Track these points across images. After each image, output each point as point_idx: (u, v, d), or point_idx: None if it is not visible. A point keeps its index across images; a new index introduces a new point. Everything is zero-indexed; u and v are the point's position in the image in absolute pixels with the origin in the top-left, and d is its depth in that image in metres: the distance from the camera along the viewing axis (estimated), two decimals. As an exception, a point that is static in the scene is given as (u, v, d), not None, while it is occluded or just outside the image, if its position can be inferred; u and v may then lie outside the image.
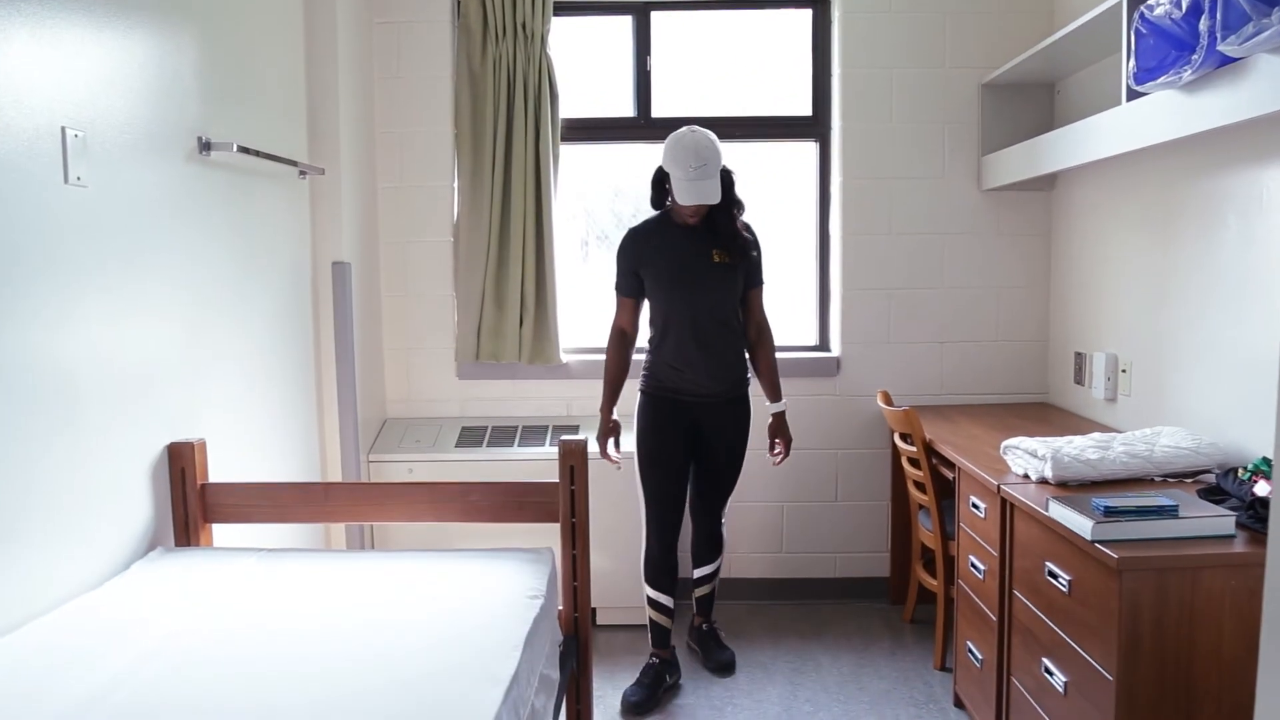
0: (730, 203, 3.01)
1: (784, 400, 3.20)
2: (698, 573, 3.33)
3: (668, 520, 3.13)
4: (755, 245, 3.13)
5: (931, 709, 3.00)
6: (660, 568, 3.15)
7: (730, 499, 3.29)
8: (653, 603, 3.18)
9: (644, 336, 3.21)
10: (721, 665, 3.29)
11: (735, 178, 3.03)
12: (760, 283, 3.17)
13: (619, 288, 3.16)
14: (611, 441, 3.14)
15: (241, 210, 2.78)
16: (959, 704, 2.97)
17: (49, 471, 1.91)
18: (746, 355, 3.18)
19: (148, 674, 1.64)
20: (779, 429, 3.20)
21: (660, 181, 3.04)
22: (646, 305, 3.17)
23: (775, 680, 3.22)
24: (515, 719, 1.69)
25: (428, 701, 1.56)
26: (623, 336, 3.17)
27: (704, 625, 3.39)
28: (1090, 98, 3.34)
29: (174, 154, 2.40)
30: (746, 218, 3.11)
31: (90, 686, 1.59)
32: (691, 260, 3.02)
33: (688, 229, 3.03)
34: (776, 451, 3.22)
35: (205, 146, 2.52)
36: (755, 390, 3.20)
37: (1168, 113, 2.38)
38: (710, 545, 3.29)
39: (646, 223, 3.14)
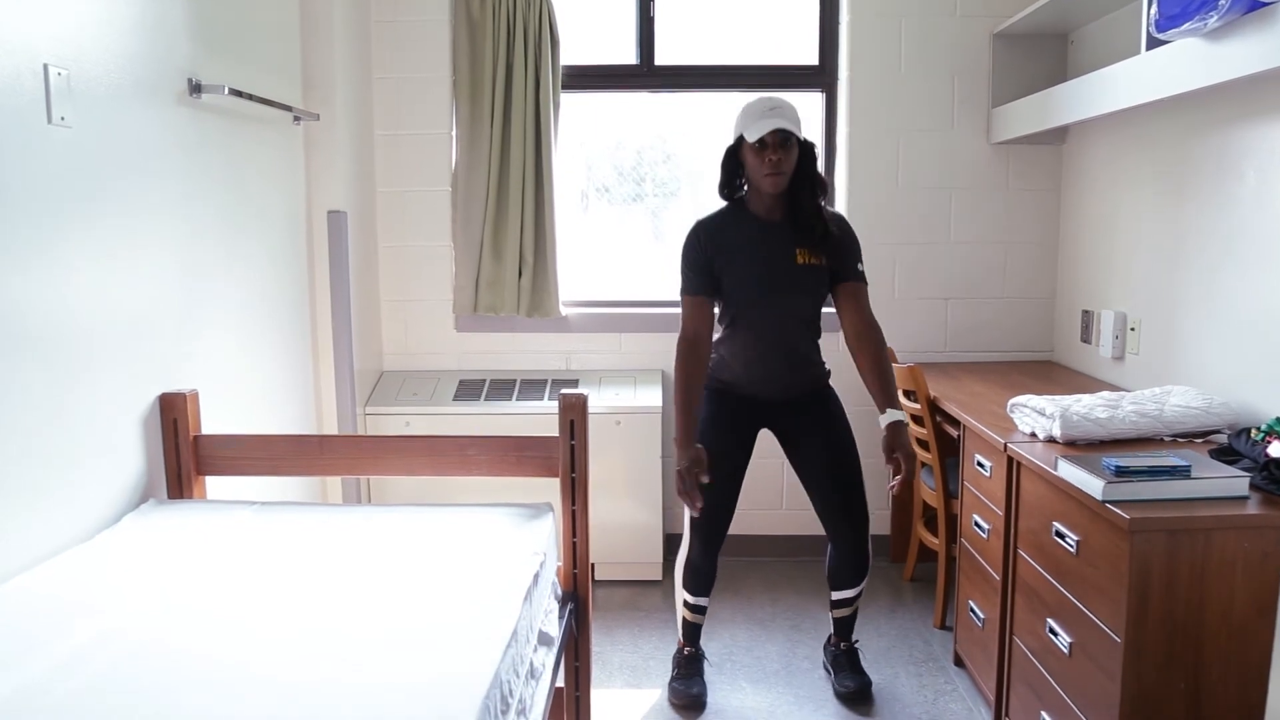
0: (811, 178, 2.62)
1: (901, 411, 2.61)
2: (838, 595, 2.84)
3: (714, 524, 2.73)
4: (847, 236, 2.69)
5: (931, 667, 2.99)
6: (701, 573, 2.78)
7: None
8: (689, 605, 2.84)
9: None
10: (854, 693, 2.80)
11: (817, 152, 2.67)
12: (855, 277, 2.67)
13: (689, 287, 2.66)
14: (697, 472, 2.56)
15: (234, 156, 2.71)
16: (959, 663, 2.96)
17: (36, 421, 1.86)
18: (821, 354, 2.79)
19: (139, 628, 1.61)
20: (895, 442, 2.55)
21: (732, 156, 2.64)
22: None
23: (774, 637, 3.21)
24: (514, 676, 1.67)
25: (426, 658, 1.53)
26: (694, 349, 2.61)
27: (842, 645, 2.91)
28: (1106, 49, 3.25)
29: (163, 96, 2.32)
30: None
31: (80, 640, 1.56)
32: (773, 261, 2.61)
33: (766, 225, 2.64)
34: (896, 475, 2.54)
35: (195, 89, 2.45)
36: (848, 383, 2.82)
37: (1190, 61, 2.30)
38: (855, 566, 2.77)
39: (716, 215, 2.70)
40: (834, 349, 2.92)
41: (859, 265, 2.69)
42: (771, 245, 2.63)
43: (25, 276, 1.83)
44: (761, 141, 2.51)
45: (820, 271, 2.66)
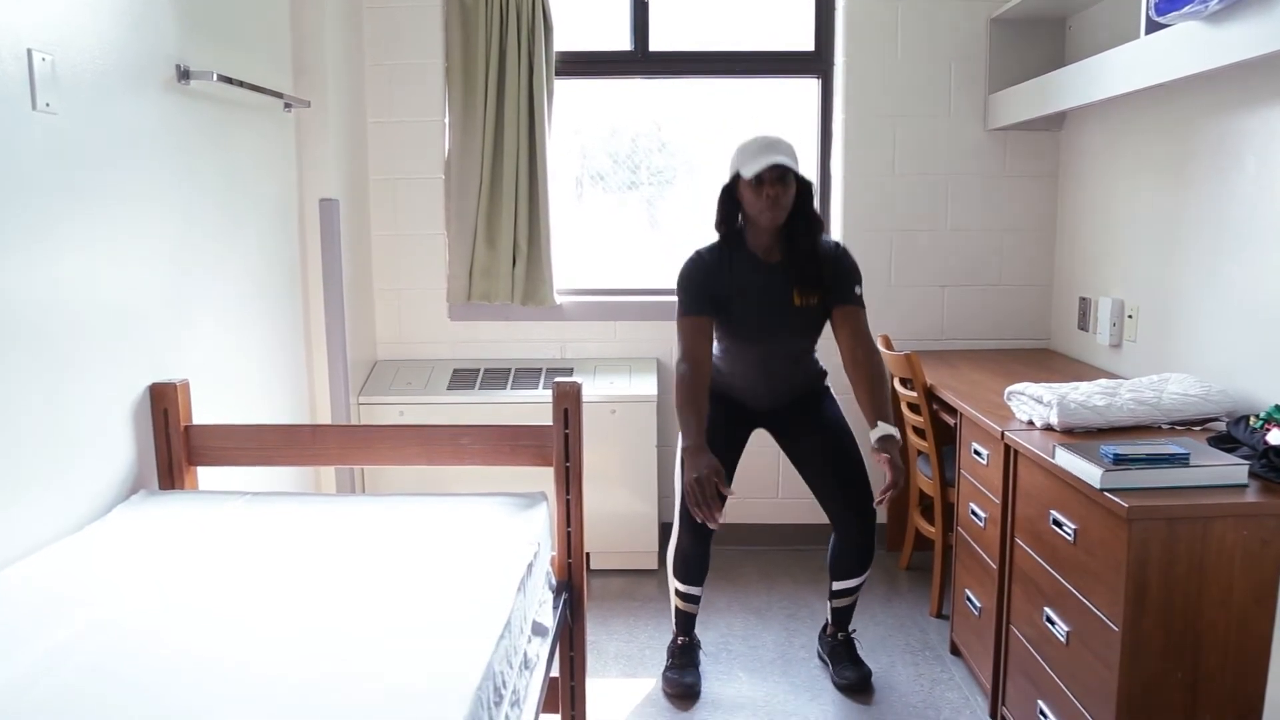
0: (808, 216, 2.61)
1: (893, 427, 2.52)
2: (839, 585, 2.82)
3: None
4: (843, 264, 2.66)
5: (927, 656, 2.98)
6: (692, 562, 2.74)
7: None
8: (681, 594, 2.81)
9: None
10: (854, 684, 2.78)
11: (814, 190, 2.67)
12: (852, 301, 2.63)
13: (689, 309, 2.63)
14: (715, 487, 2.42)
15: (224, 143, 2.68)
16: (955, 652, 2.95)
17: (25, 412, 1.84)
18: (818, 363, 2.84)
19: (128, 621, 1.59)
20: (885, 453, 2.48)
21: (729, 194, 2.62)
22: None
23: (770, 626, 3.20)
24: (507, 667, 1.65)
25: (418, 649, 1.52)
26: (696, 369, 2.57)
27: (839, 635, 2.90)
28: (1104, 33, 3.22)
29: (151, 82, 2.29)
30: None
31: (68, 633, 1.54)
32: (770, 304, 2.62)
33: (765, 266, 2.64)
34: (886, 487, 2.47)
35: (184, 75, 2.41)
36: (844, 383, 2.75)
37: (1190, 45, 2.28)
38: (859, 556, 2.74)
39: (716, 249, 2.68)
40: (831, 352, 2.84)
41: (857, 289, 2.66)
42: (769, 288, 2.64)
43: (11, 265, 1.80)
44: (758, 177, 2.51)
45: (817, 310, 2.68)
